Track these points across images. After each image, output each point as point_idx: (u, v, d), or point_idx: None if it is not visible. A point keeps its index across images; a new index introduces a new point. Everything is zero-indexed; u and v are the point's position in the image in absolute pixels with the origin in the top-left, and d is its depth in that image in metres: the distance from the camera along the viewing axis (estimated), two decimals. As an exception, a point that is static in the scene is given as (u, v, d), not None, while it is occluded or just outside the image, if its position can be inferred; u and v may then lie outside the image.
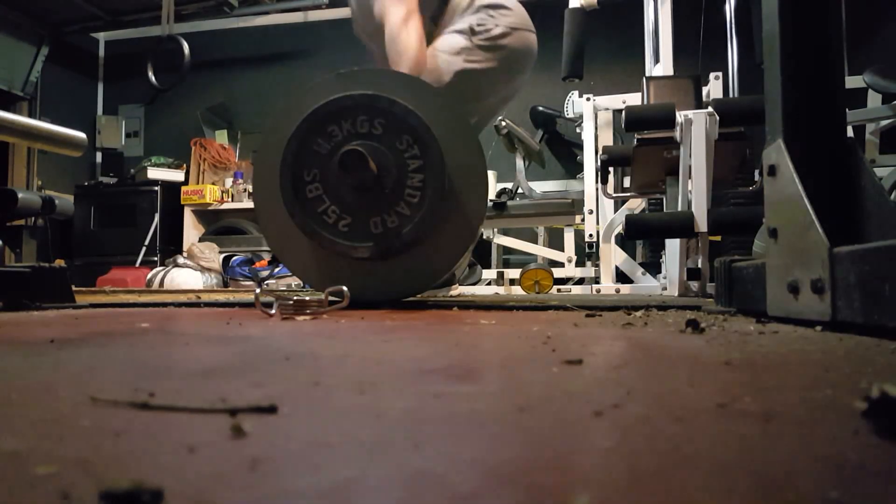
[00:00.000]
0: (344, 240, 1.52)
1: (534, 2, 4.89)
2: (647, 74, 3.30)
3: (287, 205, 1.53)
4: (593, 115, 3.57)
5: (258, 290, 1.36)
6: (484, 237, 4.34)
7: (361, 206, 1.52)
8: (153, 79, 4.94)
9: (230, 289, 4.23)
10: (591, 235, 3.46)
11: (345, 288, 1.25)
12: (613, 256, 3.43)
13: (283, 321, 1.13)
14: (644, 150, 2.43)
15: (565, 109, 4.73)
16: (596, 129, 3.58)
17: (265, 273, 4.40)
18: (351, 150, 1.46)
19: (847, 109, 2.03)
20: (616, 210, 3.45)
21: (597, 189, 3.38)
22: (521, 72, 2.15)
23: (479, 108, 2.10)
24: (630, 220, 2.12)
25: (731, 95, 3.89)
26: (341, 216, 1.53)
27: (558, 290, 3.52)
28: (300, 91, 1.61)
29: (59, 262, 3.13)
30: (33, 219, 4.89)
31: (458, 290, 2.22)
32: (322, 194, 1.53)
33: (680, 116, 2.20)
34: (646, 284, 3.24)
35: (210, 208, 5.43)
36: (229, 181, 5.55)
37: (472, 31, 2.00)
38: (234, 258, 4.54)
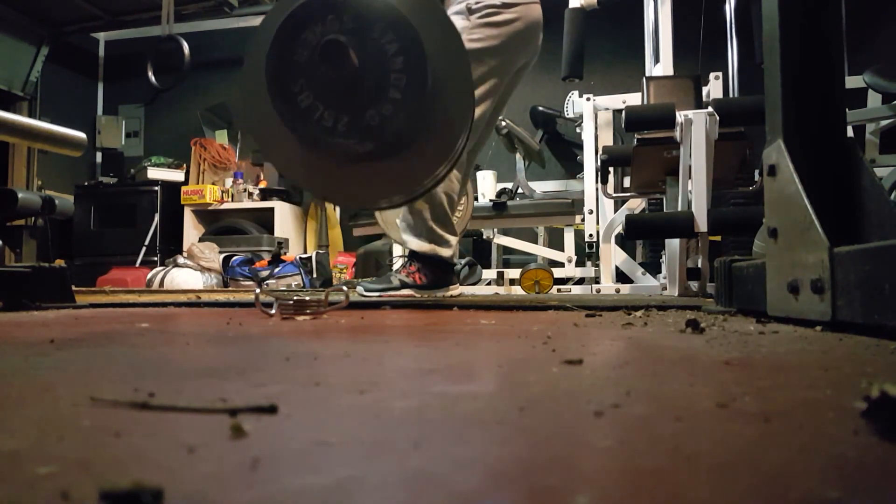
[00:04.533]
0: (344, 139, 1.51)
1: (534, 2, 4.85)
2: (647, 74, 3.30)
3: (286, 121, 1.51)
4: (593, 115, 3.57)
5: (258, 291, 1.36)
6: (484, 237, 4.34)
7: (353, 102, 1.52)
8: (153, 79, 4.94)
9: (230, 289, 4.23)
10: (591, 235, 3.46)
11: (345, 288, 1.25)
12: (613, 256, 3.43)
13: (283, 321, 1.13)
14: (644, 150, 2.43)
15: (565, 109, 4.73)
16: (596, 129, 3.58)
17: (265, 273, 4.40)
18: (330, 40, 1.44)
19: (847, 109, 2.03)
20: (616, 210, 3.45)
21: (597, 189, 3.38)
22: (527, 46, 2.10)
23: (488, 80, 2.05)
24: (630, 220, 2.12)
25: (731, 95, 3.89)
26: (339, 117, 1.52)
27: (558, 290, 3.52)
28: (267, 15, 1.62)
29: (59, 262, 3.13)
30: (33, 219, 4.89)
31: (458, 289, 2.22)
32: (315, 101, 1.53)
33: (680, 116, 2.20)
34: (646, 284, 3.24)
35: (210, 208, 5.43)
36: (229, 181, 5.55)
37: (469, 11, 1.99)
38: (234, 258, 4.54)
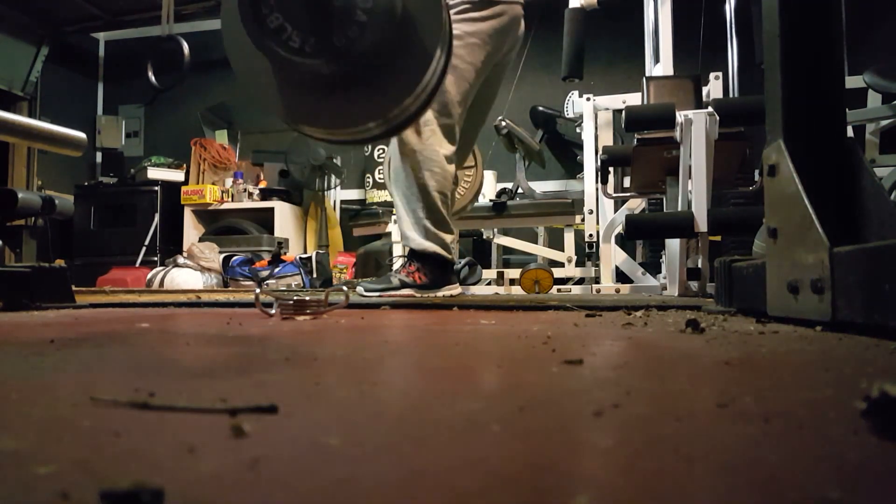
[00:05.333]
0: (310, 59, 1.52)
1: (534, 2, 4.88)
2: (647, 74, 3.30)
3: (255, 41, 1.51)
4: (593, 115, 3.57)
5: (258, 291, 1.36)
6: (484, 237, 4.34)
7: (320, 23, 1.52)
8: (153, 79, 4.94)
9: (230, 289, 4.23)
10: (591, 235, 3.46)
11: (345, 288, 1.25)
12: (613, 256, 3.43)
13: (283, 321, 1.13)
14: (644, 150, 2.43)
15: (565, 109, 4.73)
16: (596, 129, 3.58)
17: (265, 273, 4.40)
18: None
19: (847, 109, 2.03)
20: (616, 210, 3.45)
21: (597, 189, 3.38)
22: (505, 40, 2.12)
23: (467, 74, 2.06)
24: (630, 220, 2.12)
25: (731, 95, 3.89)
26: (306, 38, 1.53)
27: (558, 290, 3.52)
28: None
29: (59, 262, 3.13)
30: (33, 219, 4.89)
31: (458, 289, 2.22)
32: (283, 22, 1.53)
33: (680, 116, 2.20)
34: (646, 284, 3.24)
35: (210, 208, 5.43)
36: (229, 181, 5.56)
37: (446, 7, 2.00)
38: (234, 258, 4.54)
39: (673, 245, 2.40)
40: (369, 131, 1.64)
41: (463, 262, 3.53)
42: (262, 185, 5.51)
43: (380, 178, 5.23)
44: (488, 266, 4.06)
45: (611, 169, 2.95)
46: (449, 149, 2.08)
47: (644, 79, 2.88)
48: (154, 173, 5.53)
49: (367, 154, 5.38)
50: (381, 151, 5.20)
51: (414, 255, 2.12)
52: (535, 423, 0.36)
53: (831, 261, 0.83)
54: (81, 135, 1.79)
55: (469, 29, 2.03)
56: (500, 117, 3.82)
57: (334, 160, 5.44)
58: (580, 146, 3.71)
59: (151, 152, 6.00)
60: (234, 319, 1.16)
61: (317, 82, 1.54)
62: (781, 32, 1.01)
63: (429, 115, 2.05)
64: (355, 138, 1.65)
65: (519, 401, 0.42)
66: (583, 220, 3.52)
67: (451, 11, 1.99)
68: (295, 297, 1.24)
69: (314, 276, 4.48)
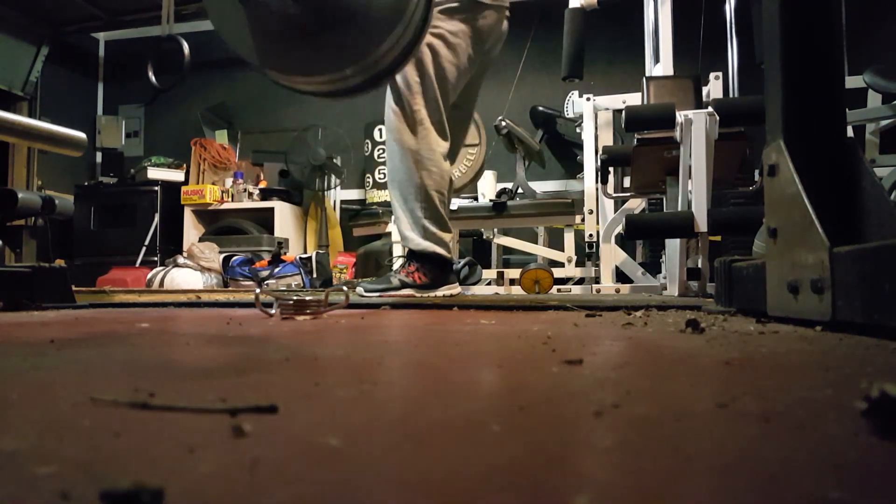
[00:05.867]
0: (275, 1, 1.49)
1: (534, 2, 4.88)
2: (647, 74, 3.30)
3: None
4: (593, 115, 3.57)
5: (258, 291, 1.37)
6: (484, 237, 4.34)
7: None
8: (153, 79, 4.93)
9: (230, 289, 4.23)
10: (591, 235, 3.46)
11: (345, 288, 1.25)
12: (613, 256, 3.43)
13: (283, 321, 1.13)
14: (644, 150, 2.43)
15: (565, 109, 4.73)
16: (596, 129, 3.58)
17: (265, 273, 4.40)
18: None
19: (847, 109, 2.03)
20: (616, 210, 3.45)
21: (597, 189, 3.38)
22: (486, 40, 2.14)
23: (454, 81, 2.09)
24: (630, 220, 2.12)
25: (731, 95, 3.89)
26: None
27: (558, 290, 3.52)
28: None
29: (59, 262, 3.13)
30: (33, 219, 4.89)
31: (458, 289, 2.22)
32: None
33: (680, 116, 2.20)
34: (646, 284, 3.24)
35: (210, 208, 5.43)
36: (229, 181, 5.55)
37: None
38: (234, 258, 4.54)
39: (673, 245, 2.40)
40: (348, 79, 1.61)
41: (463, 261, 3.53)
42: (262, 185, 5.51)
43: (380, 178, 5.23)
44: (488, 266, 4.06)
45: (611, 169, 2.95)
46: (444, 146, 2.10)
47: (644, 79, 2.88)
48: (154, 173, 5.53)
49: (367, 154, 5.38)
50: (380, 151, 5.20)
51: (413, 256, 2.12)
52: (535, 422, 0.36)
53: (831, 261, 0.83)
54: (81, 135, 1.79)
55: (453, 29, 2.04)
56: (500, 117, 3.82)
57: (334, 160, 5.44)
58: (580, 146, 3.71)
59: (151, 152, 6.00)
60: (233, 319, 1.16)
61: (287, 27, 1.51)
62: (781, 32, 1.01)
63: (423, 114, 2.06)
64: (338, 87, 1.63)
65: (519, 401, 0.42)
66: (583, 220, 3.52)
67: (436, 10, 2.00)
68: (295, 298, 1.24)
69: (314, 276, 4.48)
